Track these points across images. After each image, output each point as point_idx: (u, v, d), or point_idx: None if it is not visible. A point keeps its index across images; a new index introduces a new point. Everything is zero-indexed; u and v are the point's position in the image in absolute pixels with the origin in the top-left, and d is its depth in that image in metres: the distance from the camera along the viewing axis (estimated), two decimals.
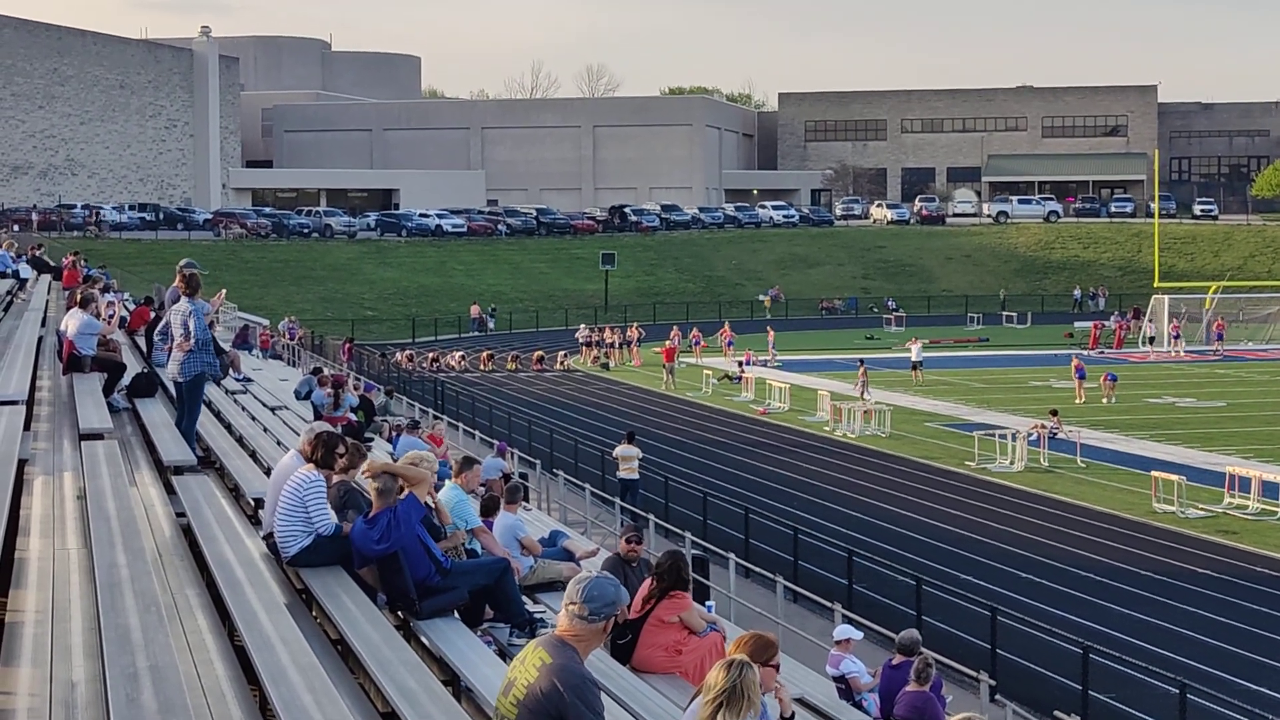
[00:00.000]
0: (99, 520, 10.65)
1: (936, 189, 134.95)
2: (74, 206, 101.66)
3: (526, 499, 29.18)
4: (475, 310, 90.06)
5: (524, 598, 12.32)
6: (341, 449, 11.84)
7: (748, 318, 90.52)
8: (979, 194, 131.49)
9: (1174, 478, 35.38)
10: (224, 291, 22.58)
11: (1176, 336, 74.20)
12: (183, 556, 10.79)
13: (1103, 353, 73.32)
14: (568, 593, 6.51)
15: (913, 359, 61.14)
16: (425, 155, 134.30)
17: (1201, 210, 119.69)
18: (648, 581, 11.83)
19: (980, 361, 70.05)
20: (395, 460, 12.10)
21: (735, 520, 31.20)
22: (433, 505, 11.61)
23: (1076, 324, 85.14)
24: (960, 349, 75.05)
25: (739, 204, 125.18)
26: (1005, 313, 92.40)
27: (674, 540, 28.71)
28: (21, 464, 12.60)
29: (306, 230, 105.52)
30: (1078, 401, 53.38)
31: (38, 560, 9.79)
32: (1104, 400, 53.87)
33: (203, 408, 17.35)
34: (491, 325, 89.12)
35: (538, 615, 11.95)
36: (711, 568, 25.87)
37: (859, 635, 18.20)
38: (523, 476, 31.84)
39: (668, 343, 66.17)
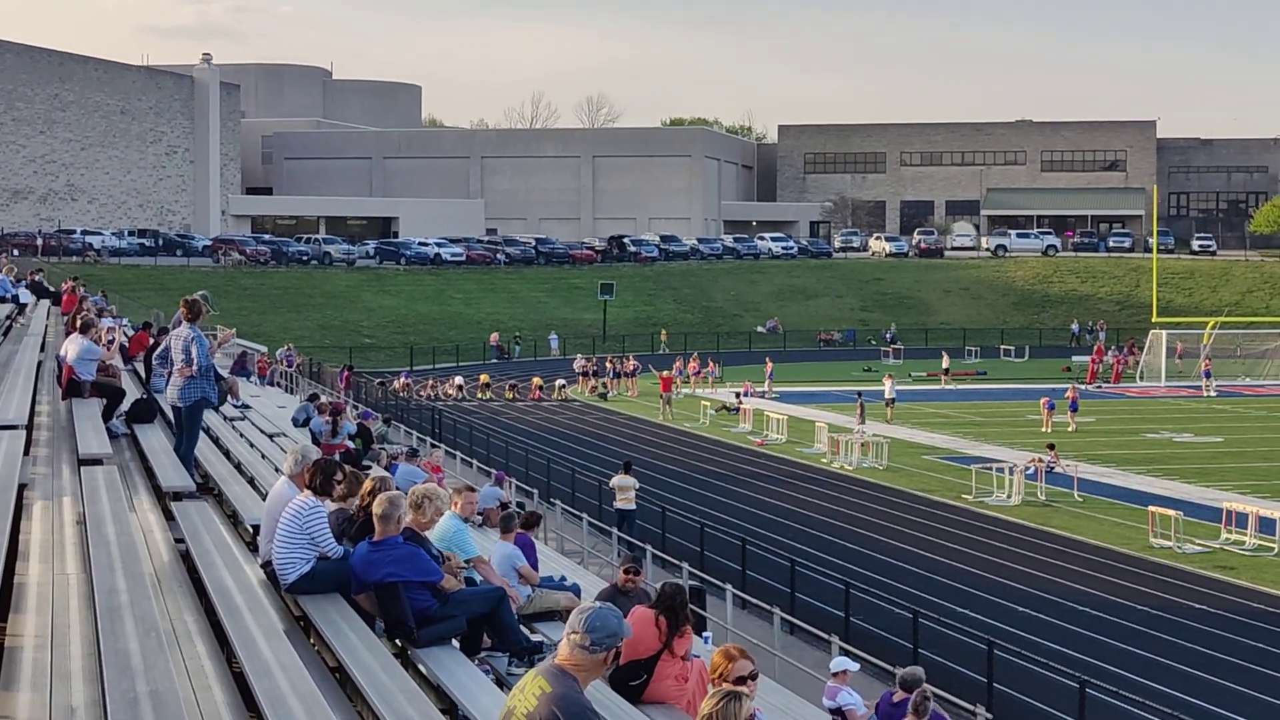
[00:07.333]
0: (98, 545, 10.65)
1: (935, 222, 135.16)
2: (73, 232, 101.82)
3: None
4: (495, 338, 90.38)
5: (522, 627, 12.31)
6: (339, 476, 11.86)
7: (745, 348, 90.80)
8: (977, 227, 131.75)
9: (1171, 513, 35.39)
10: (233, 331, 22.52)
11: (1208, 375, 72.48)
12: (182, 582, 10.80)
13: (1099, 386, 73.30)
14: (569, 622, 6.53)
15: (886, 395, 60.44)
16: (425, 184, 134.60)
17: (1200, 245, 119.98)
18: (650, 614, 11.60)
19: (977, 395, 70.05)
20: (401, 491, 11.97)
21: (732, 551, 31.19)
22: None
23: (1074, 358, 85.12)
24: (959, 382, 75.05)
25: (738, 235, 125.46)
26: (1003, 346, 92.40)
27: (671, 571, 28.71)
28: (21, 489, 12.62)
29: (305, 257, 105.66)
30: (1044, 430, 53.94)
31: (37, 585, 9.80)
32: (1070, 429, 54.95)
33: (201, 434, 17.36)
34: (518, 351, 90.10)
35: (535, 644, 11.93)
36: (709, 599, 25.85)
37: (855, 667, 18.22)
38: (520, 505, 31.84)
39: (665, 373, 66.22)
